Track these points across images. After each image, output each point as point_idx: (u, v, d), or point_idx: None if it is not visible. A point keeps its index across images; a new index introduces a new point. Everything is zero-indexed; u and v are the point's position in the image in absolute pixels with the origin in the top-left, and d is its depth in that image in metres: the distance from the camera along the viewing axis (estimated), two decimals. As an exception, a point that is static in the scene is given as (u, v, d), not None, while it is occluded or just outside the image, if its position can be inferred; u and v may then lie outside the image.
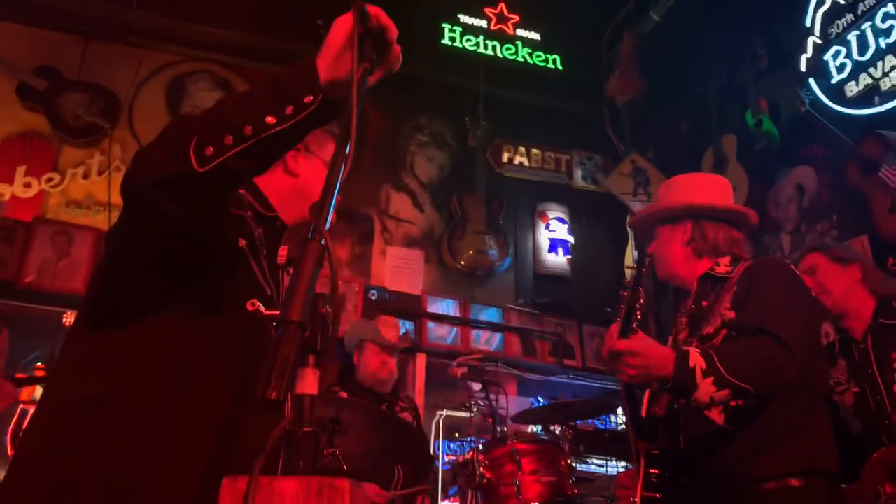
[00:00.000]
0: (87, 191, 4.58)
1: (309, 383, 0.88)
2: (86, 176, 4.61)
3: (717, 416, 1.90)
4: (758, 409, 1.85)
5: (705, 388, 1.70)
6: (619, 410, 4.64)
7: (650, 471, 2.03)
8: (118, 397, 1.15)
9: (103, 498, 1.10)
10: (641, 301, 1.85)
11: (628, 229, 5.48)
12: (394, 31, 1.15)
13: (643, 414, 2.12)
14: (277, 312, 0.88)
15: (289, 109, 1.05)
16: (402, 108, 5.58)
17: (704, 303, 2.06)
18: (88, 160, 4.65)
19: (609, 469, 4.45)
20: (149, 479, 1.13)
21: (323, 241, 0.93)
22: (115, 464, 1.12)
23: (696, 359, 1.72)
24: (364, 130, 5.31)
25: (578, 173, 5.94)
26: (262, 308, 1.09)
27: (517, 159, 5.82)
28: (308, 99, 1.05)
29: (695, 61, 5.35)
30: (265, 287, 1.34)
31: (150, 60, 5.04)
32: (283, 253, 0.95)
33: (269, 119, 1.05)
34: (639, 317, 1.82)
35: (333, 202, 1.02)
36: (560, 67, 5.92)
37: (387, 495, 2.84)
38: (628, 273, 1.92)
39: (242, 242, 1.32)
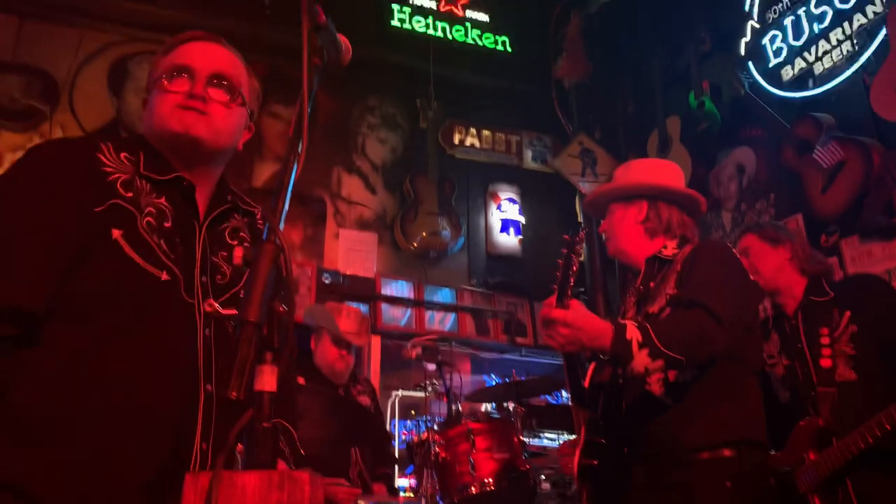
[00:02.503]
0: (27, 177, 4.45)
1: (267, 380, 0.91)
2: (25, 161, 4.47)
3: (655, 387, 1.99)
4: (693, 382, 1.95)
5: (641, 359, 1.78)
6: (570, 386, 4.78)
7: (590, 438, 2.12)
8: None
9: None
10: (575, 268, 1.92)
11: (577, 209, 5.60)
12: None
13: (586, 384, 2.20)
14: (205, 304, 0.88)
15: None
16: (352, 89, 5.55)
17: (652, 283, 2.15)
18: (28, 145, 4.51)
19: (561, 442, 4.60)
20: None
21: (278, 242, 0.96)
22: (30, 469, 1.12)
23: (632, 331, 1.80)
24: (314, 112, 5.27)
25: (529, 154, 6.02)
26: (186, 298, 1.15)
27: (468, 140, 5.86)
28: None
29: (640, 43, 5.47)
30: (167, 263, 1.28)
31: (91, 41, 4.88)
32: (239, 254, 0.98)
33: None
34: (572, 283, 1.88)
35: (287, 201, 1.05)
36: (509, 49, 5.96)
37: (351, 490, 2.88)
38: (566, 240, 1.97)
39: (116, 232, 1.25)
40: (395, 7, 5.68)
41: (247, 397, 0.85)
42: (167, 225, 1.32)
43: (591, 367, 2.24)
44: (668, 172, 2.30)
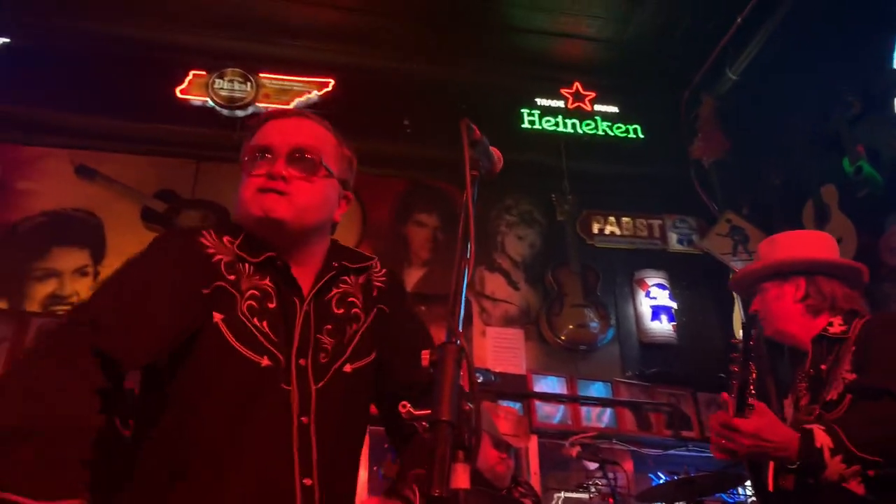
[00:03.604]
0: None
1: (461, 478, 0.94)
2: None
3: (855, 486, 1.80)
4: None
5: (834, 467, 1.66)
6: (747, 483, 4.40)
7: None
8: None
9: None
10: (754, 376, 1.82)
11: (734, 291, 5.33)
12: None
13: (770, 488, 2.03)
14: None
15: None
16: (489, 192, 5.74)
17: (823, 366, 1.99)
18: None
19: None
20: None
21: (459, 343, 1.02)
22: None
23: (821, 437, 1.67)
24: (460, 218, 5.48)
25: (673, 237, 5.87)
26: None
27: (608, 229, 5.83)
28: None
29: (779, 115, 5.28)
30: (268, 347, 1.27)
31: (255, 175, 5.43)
32: (425, 356, 1.04)
33: None
34: (753, 391, 1.78)
35: (463, 303, 1.11)
36: (641, 136, 5.96)
37: None
38: (735, 345, 1.89)
39: (217, 316, 1.25)
40: (525, 111, 5.89)
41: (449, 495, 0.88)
42: (271, 306, 1.31)
43: (771, 465, 2.07)
44: (820, 244, 2.17)
